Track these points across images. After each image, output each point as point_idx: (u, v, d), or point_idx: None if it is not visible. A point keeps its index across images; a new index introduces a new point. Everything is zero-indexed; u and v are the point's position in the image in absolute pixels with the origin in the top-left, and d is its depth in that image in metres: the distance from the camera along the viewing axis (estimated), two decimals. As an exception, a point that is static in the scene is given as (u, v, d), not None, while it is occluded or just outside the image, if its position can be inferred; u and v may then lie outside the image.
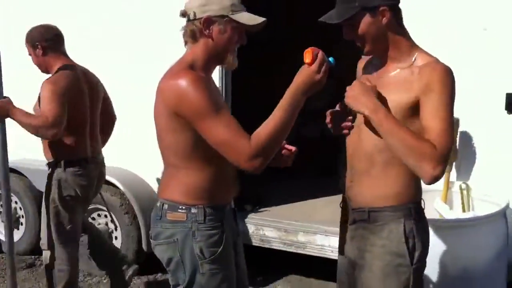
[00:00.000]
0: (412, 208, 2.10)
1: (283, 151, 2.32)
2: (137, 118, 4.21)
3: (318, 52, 2.02)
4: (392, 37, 2.05)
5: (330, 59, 2.06)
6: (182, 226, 2.20)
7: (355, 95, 2.01)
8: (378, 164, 2.09)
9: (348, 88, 2.05)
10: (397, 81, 2.04)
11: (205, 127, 2.06)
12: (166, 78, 2.15)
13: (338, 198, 2.33)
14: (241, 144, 2.03)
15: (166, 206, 2.23)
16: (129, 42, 4.47)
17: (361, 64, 2.31)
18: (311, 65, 2.01)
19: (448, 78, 1.96)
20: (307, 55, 2.02)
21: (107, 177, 3.94)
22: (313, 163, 5.68)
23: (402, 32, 2.07)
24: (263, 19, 2.18)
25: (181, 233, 2.20)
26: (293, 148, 2.33)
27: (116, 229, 4.48)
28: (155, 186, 4.45)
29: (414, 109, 1.99)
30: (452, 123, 1.96)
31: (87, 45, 4.42)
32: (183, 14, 2.20)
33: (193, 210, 2.19)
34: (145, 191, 4.46)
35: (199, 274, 2.21)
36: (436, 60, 2.02)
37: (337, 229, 2.32)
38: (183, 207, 2.20)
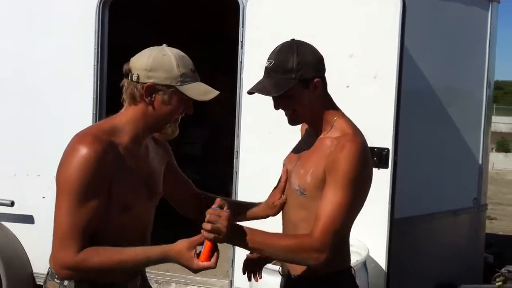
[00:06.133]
0: (328, 274, 2.02)
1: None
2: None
3: (217, 252, 1.81)
4: (319, 107, 2.04)
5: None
6: None
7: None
8: (301, 231, 2.00)
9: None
10: (316, 151, 2.02)
11: (56, 202, 1.81)
12: (76, 135, 1.89)
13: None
14: (66, 250, 1.78)
15: (49, 272, 1.96)
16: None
17: (303, 126, 2.24)
18: (202, 259, 1.81)
19: (355, 158, 1.89)
20: (205, 250, 1.81)
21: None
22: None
23: (327, 101, 2.07)
24: (216, 92, 1.95)
25: None
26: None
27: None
28: (23, 240, 4.05)
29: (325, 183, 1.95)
30: (347, 206, 1.89)
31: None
32: (126, 71, 1.93)
33: (65, 283, 1.91)
34: (12, 245, 4.01)
35: None
36: (350, 136, 1.96)
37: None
38: (59, 278, 1.91)
